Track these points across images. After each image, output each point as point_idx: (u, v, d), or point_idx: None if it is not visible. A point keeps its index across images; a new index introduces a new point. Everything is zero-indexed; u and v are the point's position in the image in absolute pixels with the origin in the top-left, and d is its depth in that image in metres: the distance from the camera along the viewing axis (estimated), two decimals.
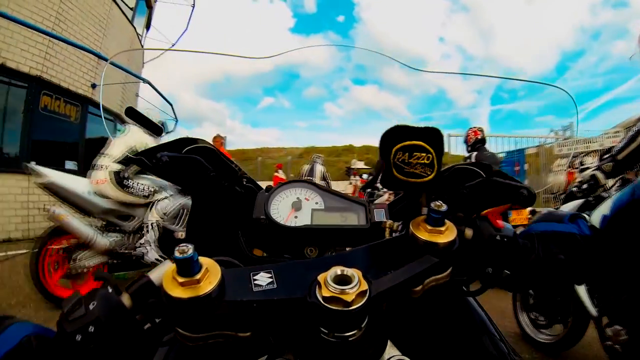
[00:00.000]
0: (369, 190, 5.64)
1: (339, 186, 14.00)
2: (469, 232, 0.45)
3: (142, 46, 10.94)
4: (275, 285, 0.35)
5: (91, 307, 0.32)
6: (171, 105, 8.46)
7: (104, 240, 2.74)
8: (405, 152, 0.41)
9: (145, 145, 2.84)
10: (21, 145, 6.07)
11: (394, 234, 0.53)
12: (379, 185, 5.45)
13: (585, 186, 2.05)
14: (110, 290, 0.34)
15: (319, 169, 6.89)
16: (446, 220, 0.39)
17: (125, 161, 2.79)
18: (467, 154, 4.05)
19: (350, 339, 0.32)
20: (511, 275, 0.45)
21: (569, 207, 2.07)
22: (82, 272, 2.72)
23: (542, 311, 2.17)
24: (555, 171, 7.59)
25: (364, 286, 0.32)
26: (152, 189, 2.92)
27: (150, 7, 11.17)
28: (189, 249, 0.31)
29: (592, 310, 1.68)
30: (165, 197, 2.98)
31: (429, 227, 0.38)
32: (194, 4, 11.51)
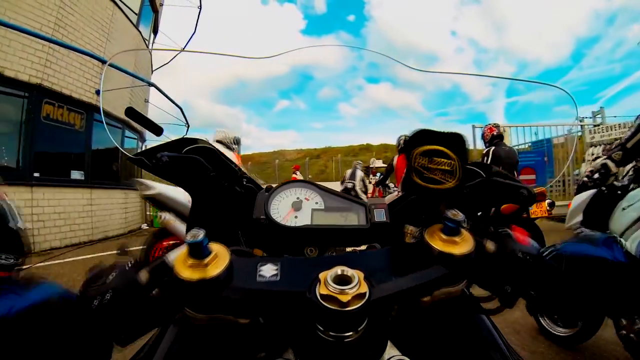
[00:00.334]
0: (380, 186, 6.16)
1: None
2: (490, 246, 0.42)
3: (150, 52, 10.93)
4: (278, 278, 0.37)
5: (110, 277, 0.36)
6: (181, 109, 8.42)
7: None
8: (426, 156, 0.42)
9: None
10: (23, 156, 5.95)
11: (413, 240, 0.51)
12: (390, 184, 5.92)
13: (596, 175, 2.03)
14: (129, 266, 0.38)
15: (359, 174, 7.62)
16: (463, 230, 0.39)
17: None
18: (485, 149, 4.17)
19: (346, 339, 0.32)
20: (535, 296, 0.42)
21: (582, 197, 2.07)
22: None
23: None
24: (589, 160, 7.19)
25: (364, 289, 0.32)
26: None
27: (156, 11, 11.07)
28: (200, 234, 0.34)
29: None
30: None
31: (444, 237, 0.39)
32: (200, 5, 11.41)
